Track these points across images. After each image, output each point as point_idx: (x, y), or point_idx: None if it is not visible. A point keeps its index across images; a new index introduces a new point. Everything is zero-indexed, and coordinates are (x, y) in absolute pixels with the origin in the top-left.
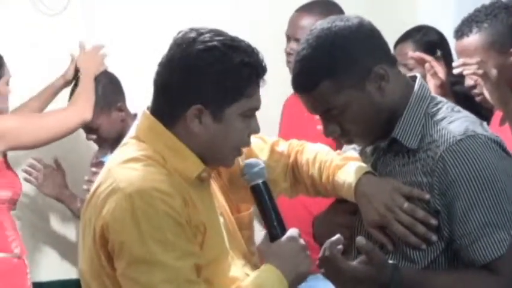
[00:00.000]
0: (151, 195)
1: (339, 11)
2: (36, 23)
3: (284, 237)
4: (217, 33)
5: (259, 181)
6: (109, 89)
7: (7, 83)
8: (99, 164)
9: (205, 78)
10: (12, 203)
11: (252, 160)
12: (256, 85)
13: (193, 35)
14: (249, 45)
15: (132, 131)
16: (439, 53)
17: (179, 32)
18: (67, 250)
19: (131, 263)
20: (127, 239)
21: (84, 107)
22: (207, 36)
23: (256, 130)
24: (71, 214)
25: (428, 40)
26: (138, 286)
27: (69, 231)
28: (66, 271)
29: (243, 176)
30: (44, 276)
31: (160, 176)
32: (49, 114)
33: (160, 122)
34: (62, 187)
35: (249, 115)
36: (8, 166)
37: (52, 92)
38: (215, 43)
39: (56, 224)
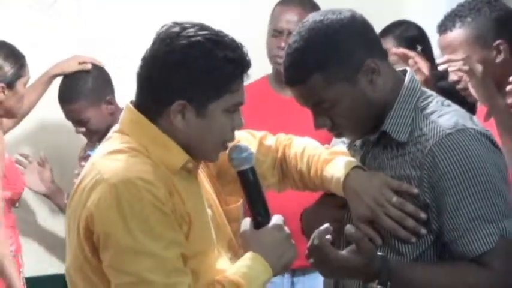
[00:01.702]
0: (136, 185)
1: (316, 6)
2: (30, 21)
3: (269, 225)
4: (200, 27)
5: (247, 167)
6: (98, 82)
7: (25, 84)
8: (87, 158)
9: (189, 74)
10: (12, 202)
11: (241, 144)
12: (240, 80)
13: (177, 29)
14: (233, 40)
15: (115, 126)
16: (419, 48)
17: (162, 26)
18: (55, 245)
19: (117, 253)
20: (112, 229)
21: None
22: (190, 31)
23: (240, 124)
24: (58, 209)
25: (409, 35)
26: (125, 276)
27: (56, 227)
28: (55, 266)
29: (231, 160)
30: (33, 272)
31: (145, 166)
32: None
33: (144, 116)
34: (49, 182)
35: (233, 110)
36: (12, 166)
37: (48, 81)
38: (199, 38)
39: (43, 219)
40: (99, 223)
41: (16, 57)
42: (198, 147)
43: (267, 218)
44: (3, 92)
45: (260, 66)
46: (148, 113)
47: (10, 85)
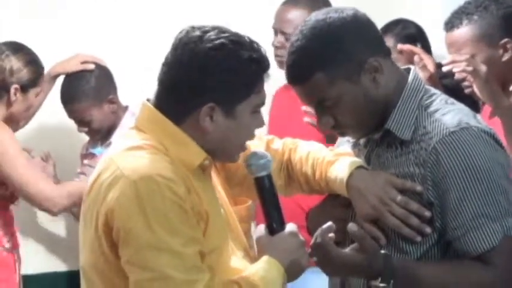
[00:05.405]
0: (156, 182)
1: (324, 3)
2: (32, 20)
3: (285, 232)
4: (220, 30)
5: (264, 173)
6: (101, 81)
7: (37, 95)
8: (89, 156)
9: (217, 77)
10: (10, 200)
11: (258, 151)
12: (262, 80)
13: (198, 33)
14: (252, 41)
15: (127, 124)
16: (418, 45)
17: (181, 31)
18: (56, 243)
19: (138, 250)
20: (133, 225)
21: (63, 201)
22: (212, 34)
23: (262, 124)
24: None
25: (408, 33)
26: (146, 272)
27: (57, 224)
28: (55, 264)
29: (248, 166)
30: (33, 269)
31: (164, 163)
32: (35, 177)
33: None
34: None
35: (258, 110)
36: None
37: (50, 81)
38: (222, 40)
39: (44, 216)
40: (119, 219)
41: (37, 66)
42: (223, 149)
43: (282, 224)
44: (16, 94)
45: None
46: (172, 117)
47: (24, 89)
